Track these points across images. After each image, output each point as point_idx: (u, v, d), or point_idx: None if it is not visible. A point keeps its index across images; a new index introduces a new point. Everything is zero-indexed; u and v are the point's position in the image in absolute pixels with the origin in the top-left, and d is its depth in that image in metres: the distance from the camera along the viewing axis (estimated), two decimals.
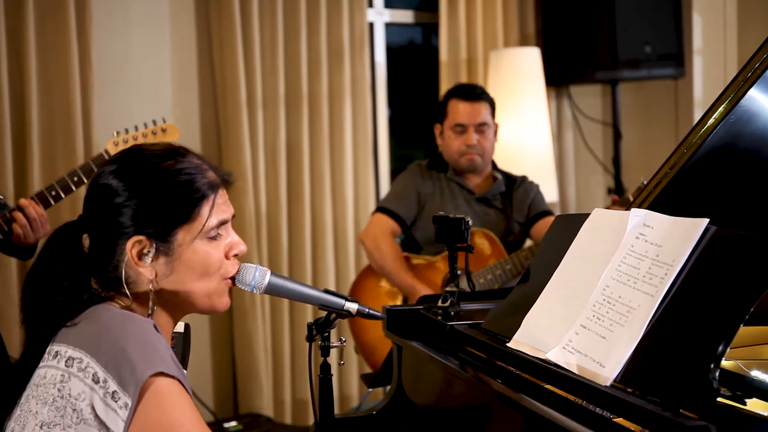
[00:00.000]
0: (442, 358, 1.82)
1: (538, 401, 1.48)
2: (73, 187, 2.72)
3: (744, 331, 1.43)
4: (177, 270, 1.47)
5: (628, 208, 1.66)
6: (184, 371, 1.51)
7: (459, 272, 2.06)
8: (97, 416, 1.34)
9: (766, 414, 1.29)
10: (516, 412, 1.53)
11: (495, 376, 1.65)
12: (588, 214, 1.72)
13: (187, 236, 1.47)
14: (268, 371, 4.10)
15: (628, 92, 4.73)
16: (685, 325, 1.40)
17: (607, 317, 1.52)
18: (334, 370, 1.72)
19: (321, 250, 4.19)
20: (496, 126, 3.53)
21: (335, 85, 4.19)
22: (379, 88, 4.53)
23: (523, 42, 4.62)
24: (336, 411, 1.91)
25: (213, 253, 1.50)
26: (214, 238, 1.50)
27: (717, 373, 1.30)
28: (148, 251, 1.46)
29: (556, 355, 1.56)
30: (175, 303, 1.51)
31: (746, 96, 1.81)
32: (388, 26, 4.61)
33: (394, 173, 4.41)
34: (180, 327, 1.63)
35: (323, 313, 1.65)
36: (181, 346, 1.64)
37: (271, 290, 1.59)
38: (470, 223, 2.04)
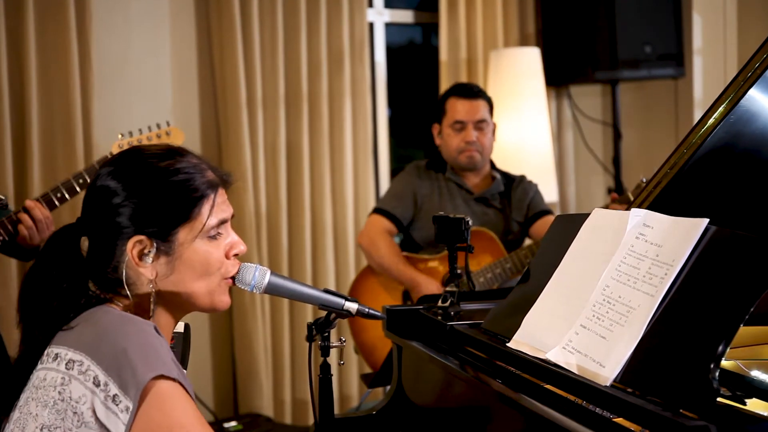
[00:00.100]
0: (442, 358, 1.82)
1: (538, 401, 1.48)
2: (78, 189, 2.72)
3: (744, 331, 1.43)
4: (177, 270, 1.47)
5: (627, 207, 1.66)
6: (185, 372, 1.51)
7: (459, 272, 2.06)
8: (98, 419, 1.33)
9: (766, 414, 1.29)
10: (516, 412, 1.53)
11: (495, 376, 1.65)
12: (588, 214, 1.72)
13: (188, 236, 1.47)
14: (268, 371, 4.10)
15: (628, 92, 4.73)
16: (685, 325, 1.40)
17: (607, 317, 1.52)
18: (334, 370, 1.72)
19: (321, 250, 4.19)
20: (494, 125, 3.54)
21: (335, 85, 4.19)
22: (379, 88, 4.53)
23: (523, 42, 4.62)
24: (336, 411, 1.91)
25: (213, 253, 1.50)
26: (214, 238, 1.50)
27: (717, 373, 1.30)
28: (149, 251, 1.46)
29: (556, 355, 1.56)
30: (175, 303, 1.51)
31: (746, 96, 1.81)
32: (388, 26, 4.61)
33: (394, 173, 4.40)
34: (180, 327, 1.63)
35: (323, 313, 1.65)
36: (181, 346, 1.64)
37: (271, 290, 1.59)
38: (470, 223, 2.04)
